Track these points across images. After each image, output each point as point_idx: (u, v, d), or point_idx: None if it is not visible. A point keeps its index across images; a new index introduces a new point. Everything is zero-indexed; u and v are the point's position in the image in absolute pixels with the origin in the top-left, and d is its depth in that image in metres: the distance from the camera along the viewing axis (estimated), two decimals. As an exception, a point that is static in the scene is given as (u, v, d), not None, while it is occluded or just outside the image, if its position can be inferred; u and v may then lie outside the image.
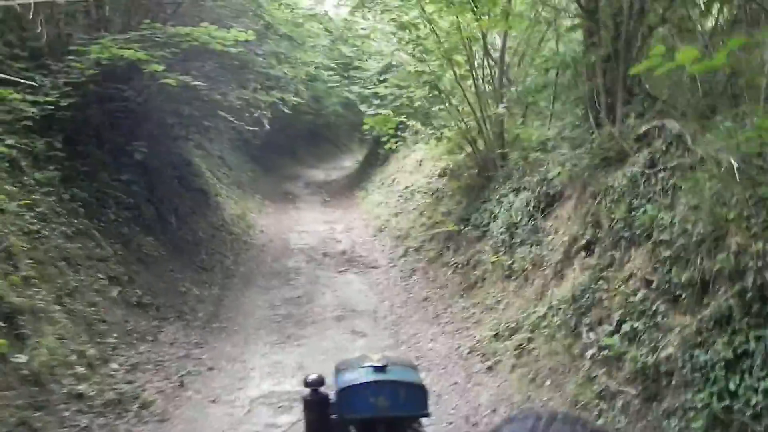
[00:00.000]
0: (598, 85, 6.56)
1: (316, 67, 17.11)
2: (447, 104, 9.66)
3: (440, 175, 12.51)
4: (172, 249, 8.90)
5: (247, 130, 15.25)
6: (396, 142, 11.33)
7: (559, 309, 5.36)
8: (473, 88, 9.32)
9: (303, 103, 24.02)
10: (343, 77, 20.14)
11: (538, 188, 6.70)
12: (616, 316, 4.59)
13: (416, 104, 10.27)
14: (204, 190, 12.35)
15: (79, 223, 6.58)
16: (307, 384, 2.63)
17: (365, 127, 9.65)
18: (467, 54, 9.16)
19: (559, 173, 5.81)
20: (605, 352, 4.52)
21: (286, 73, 11.66)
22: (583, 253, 5.56)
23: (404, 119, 11.04)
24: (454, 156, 12.10)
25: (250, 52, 9.48)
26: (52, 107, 6.31)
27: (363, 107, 18.79)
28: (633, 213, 4.87)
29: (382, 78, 17.81)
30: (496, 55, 9.34)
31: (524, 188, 7.19)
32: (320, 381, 2.63)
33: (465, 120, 9.43)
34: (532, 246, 6.45)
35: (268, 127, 13.86)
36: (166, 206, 9.63)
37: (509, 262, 6.80)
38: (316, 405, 2.62)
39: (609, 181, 5.66)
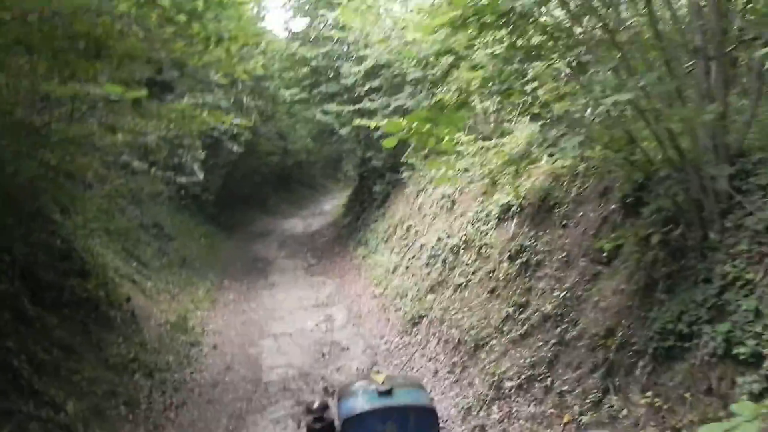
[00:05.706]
0: None
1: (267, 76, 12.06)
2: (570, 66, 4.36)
3: (500, 219, 7.28)
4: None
5: (192, 184, 10.62)
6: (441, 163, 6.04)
7: None
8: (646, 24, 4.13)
9: (265, 139, 18.79)
10: (308, 97, 14.86)
11: None
12: None
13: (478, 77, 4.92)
14: (96, 298, 6.91)
15: None
16: (309, 411, 2.59)
17: (386, 144, 4.33)
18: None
19: None
20: None
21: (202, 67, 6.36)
22: None
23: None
24: (530, 183, 6.93)
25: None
26: None
27: (343, 131, 13.75)
28: None
29: (367, 87, 12.80)
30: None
31: None
32: (324, 407, 2.62)
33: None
34: None
35: (200, 176, 8.77)
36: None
37: None
38: None
39: None
